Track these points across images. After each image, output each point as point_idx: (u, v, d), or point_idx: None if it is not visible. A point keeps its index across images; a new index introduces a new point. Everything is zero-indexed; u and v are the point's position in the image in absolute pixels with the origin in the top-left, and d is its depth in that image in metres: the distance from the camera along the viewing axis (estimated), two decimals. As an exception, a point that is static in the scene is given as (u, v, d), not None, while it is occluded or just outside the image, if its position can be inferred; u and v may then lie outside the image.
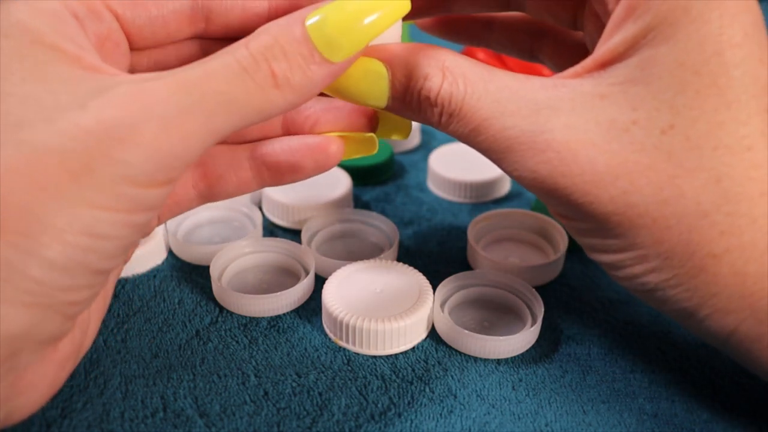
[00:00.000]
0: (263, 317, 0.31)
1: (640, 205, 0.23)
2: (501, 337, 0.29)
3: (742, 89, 0.22)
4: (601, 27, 0.25)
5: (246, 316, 0.31)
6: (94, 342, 0.29)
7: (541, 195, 0.25)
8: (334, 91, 0.25)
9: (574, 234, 0.26)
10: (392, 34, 0.26)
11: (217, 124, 0.21)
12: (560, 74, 0.24)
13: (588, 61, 0.24)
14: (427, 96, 0.24)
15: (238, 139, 0.28)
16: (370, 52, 0.25)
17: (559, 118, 0.23)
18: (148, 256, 0.34)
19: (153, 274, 0.34)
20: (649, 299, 0.25)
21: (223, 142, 0.27)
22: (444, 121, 0.25)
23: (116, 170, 0.19)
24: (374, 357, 0.29)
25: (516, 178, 0.25)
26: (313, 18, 0.22)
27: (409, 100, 0.25)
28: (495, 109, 0.24)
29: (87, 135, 0.19)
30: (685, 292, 0.23)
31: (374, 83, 0.25)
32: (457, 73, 0.24)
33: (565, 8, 0.28)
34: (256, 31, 0.22)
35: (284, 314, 0.31)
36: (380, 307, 0.30)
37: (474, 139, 0.24)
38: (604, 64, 0.23)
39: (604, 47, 0.23)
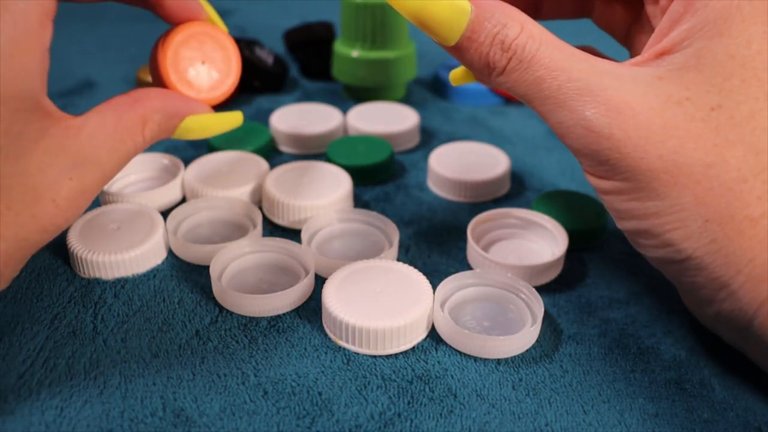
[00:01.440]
0: (263, 317, 0.31)
1: (686, 166, 0.24)
2: (501, 337, 0.29)
3: None
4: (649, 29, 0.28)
5: (246, 316, 0.31)
6: (94, 342, 0.29)
7: (590, 150, 0.26)
8: (414, 17, 0.27)
9: (612, 200, 0.27)
10: None
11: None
12: (622, 62, 0.26)
13: (647, 53, 0.26)
14: (502, 40, 0.26)
15: None
16: None
17: (622, 83, 0.25)
18: (148, 256, 0.34)
19: (153, 274, 0.34)
20: (681, 271, 0.26)
21: None
22: (510, 67, 0.27)
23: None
24: (374, 357, 0.29)
25: (567, 130, 0.26)
26: (189, 120, 0.29)
27: (483, 40, 0.27)
28: (565, 64, 0.26)
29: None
30: (722, 258, 0.25)
31: (456, 16, 0.26)
32: (534, 32, 0.26)
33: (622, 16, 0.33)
34: (151, 96, 0.29)
35: (284, 314, 0.31)
36: (380, 307, 0.30)
37: (536, 87, 0.26)
38: (662, 54, 0.26)
39: (664, 40, 0.26)
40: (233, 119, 0.32)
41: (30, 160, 0.25)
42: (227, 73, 0.32)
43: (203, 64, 0.31)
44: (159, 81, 0.31)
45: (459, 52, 0.27)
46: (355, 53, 0.51)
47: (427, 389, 0.28)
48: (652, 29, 0.29)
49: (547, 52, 0.26)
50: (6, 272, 0.26)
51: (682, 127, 0.25)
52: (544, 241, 0.36)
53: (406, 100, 0.55)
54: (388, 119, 0.48)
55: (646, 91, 0.25)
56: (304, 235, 0.35)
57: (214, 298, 0.32)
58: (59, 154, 0.26)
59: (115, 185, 0.41)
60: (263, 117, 0.50)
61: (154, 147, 0.46)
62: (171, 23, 0.31)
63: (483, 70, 0.27)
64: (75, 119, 0.27)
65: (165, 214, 0.37)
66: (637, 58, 0.26)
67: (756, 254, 0.24)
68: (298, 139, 0.46)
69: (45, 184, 0.25)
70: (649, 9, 0.29)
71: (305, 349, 0.30)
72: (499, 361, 0.29)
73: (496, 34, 0.26)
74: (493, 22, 0.26)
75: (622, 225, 0.27)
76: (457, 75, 0.31)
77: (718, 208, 0.24)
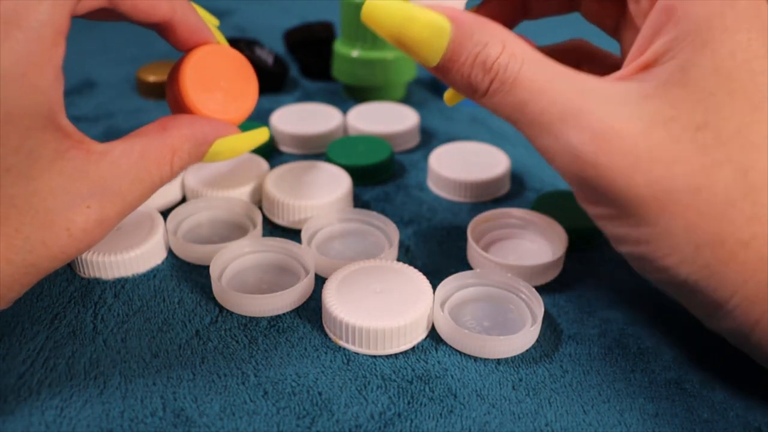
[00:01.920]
0: (263, 317, 0.31)
1: (674, 192, 0.24)
2: (501, 337, 0.29)
3: (767, 94, 0.24)
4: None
5: (246, 316, 0.31)
6: (94, 342, 0.29)
7: (577, 177, 0.25)
8: (394, 38, 0.26)
9: (605, 225, 0.26)
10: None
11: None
12: (606, 77, 0.26)
13: (631, 66, 0.26)
14: (484, 61, 0.26)
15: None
16: (437, 8, 0.26)
17: (606, 105, 0.25)
18: (148, 256, 0.34)
19: (153, 274, 0.34)
20: (679, 293, 0.26)
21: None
22: (493, 89, 0.26)
23: None
24: (374, 357, 0.29)
25: (553, 156, 0.26)
26: (218, 144, 0.29)
27: (464, 60, 0.26)
28: (547, 86, 0.25)
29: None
30: (716, 282, 0.24)
31: (436, 36, 0.26)
32: (516, 50, 0.26)
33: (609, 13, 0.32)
34: (179, 124, 0.28)
35: (284, 314, 0.31)
36: (380, 307, 0.30)
37: (519, 110, 0.26)
38: (647, 67, 0.25)
39: (647, 53, 0.25)
40: (260, 136, 0.31)
41: (42, 182, 0.24)
42: (247, 89, 0.31)
43: (223, 83, 0.30)
44: (181, 107, 0.30)
45: (442, 73, 0.27)
46: (355, 53, 0.51)
47: (427, 389, 0.28)
48: (637, 27, 0.29)
49: (529, 73, 0.25)
50: (9, 295, 0.25)
51: (669, 150, 0.24)
52: (544, 241, 0.36)
53: (406, 100, 0.55)
54: (388, 119, 0.48)
55: (631, 113, 0.24)
56: (304, 235, 0.35)
57: (214, 298, 0.32)
58: (77, 178, 0.24)
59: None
60: (263, 117, 0.50)
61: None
62: (182, 50, 0.30)
63: (466, 92, 0.27)
64: (99, 145, 0.25)
65: (165, 214, 0.37)
66: (623, 71, 0.26)
67: (749, 276, 0.24)
68: (298, 139, 0.46)
69: (59, 210, 0.24)
70: (632, 8, 0.28)
71: (305, 349, 0.30)
72: (499, 361, 0.29)
73: (477, 54, 0.26)
74: (473, 41, 0.26)
75: (618, 249, 0.27)
76: (449, 94, 0.31)
77: (709, 234, 0.24)
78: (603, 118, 0.24)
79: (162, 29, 0.30)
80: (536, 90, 0.25)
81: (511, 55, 0.25)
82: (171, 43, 0.30)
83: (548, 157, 0.26)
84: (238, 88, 0.31)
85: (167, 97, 0.31)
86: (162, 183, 0.27)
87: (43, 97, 0.23)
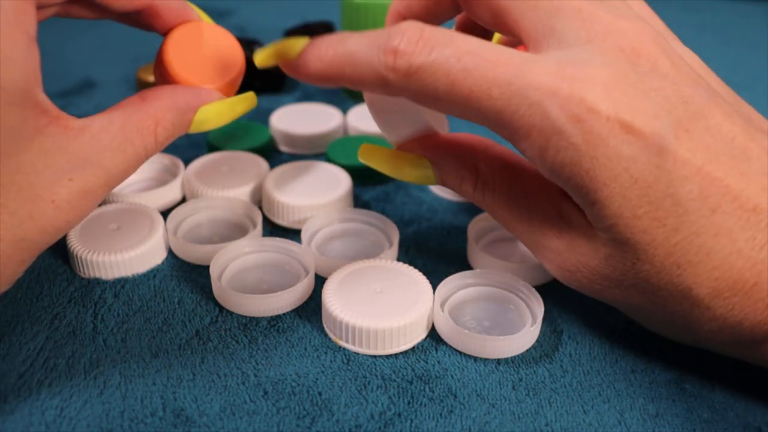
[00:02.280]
0: (263, 317, 0.31)
1: (638, 305, 0.27)
2: (501, 337, 0.29)
3: (679, 211, 0.24)
4: None
5: (246, 316, 0.31)
6: (94, 341, 0.29)
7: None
8: (392, 175, 0.31)
9: None
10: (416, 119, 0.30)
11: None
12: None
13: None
14: (465, 191, 0.30)
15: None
16: (417, 147, 0.31)
17: (560, 237, 0.28)
18: (148, 256, 0.34)
19: (153, 274, 0.34)
20: None
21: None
22: (482, 208, 0.30)
23: None
24: (374, 357, 0.29)
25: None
26: (203, 111, 0.29)
27: (452, 188, 0.30)
28: (517, 215, 0.29)
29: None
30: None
31: (423, 178, 0.30)
32: (488, 178, 0.29)
33: None
34: (160, 94, 0.28)
35: (284, 314, 0.31)
36: (380, 307, 0.30)
37: (505, 228, 0.30)
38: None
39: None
40: (247, 101, 0.31)
41: (23, 158, 0.24)
42: (232, 59, 0.31)
43: (207, 56, 0.31)
44: (166, 79, 0.30)
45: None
46: (355, 53, 0.51)
47: (427, 389, 0.28)
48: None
49: (500, 203, 0.29)
50: (6, 272, 0.25)
51: (619, 280, 0.26)
52: (544, 241, 0.36)
53: (406, 100, 0.55)
54: (388, 119, 0.48)
55: (580, 248, 0.27)
56: (304, 235, 0.35)
57: (214, 298, 0.32)
58: (57, 154, 0.25)
59: (115, 185, 0.40)
60: (263, 117, 0.50)
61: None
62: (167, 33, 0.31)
63: None
64: (77, 120, 0.26)
65: (165, 214, 0.37)
66: None
67: (731, 352, 0.27)
68: (298, 139, 0.46)
69: (42, 184, 0.25)
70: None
71: (305, 349, 0.30)
72: (499, 361, 0.29)
73: (459, 186, 0.30)
74: (452, 177, 0.30)
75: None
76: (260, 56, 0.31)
77: (682, 330, 0.27)
78: (561, 255, 0.28)
79: (145, 16, 0.30)
80: (507, 219, 0.29)
81: (483, 185, 0.29)
82: (156, 29, 0.31)
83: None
84: (223, 60, 0.31)
85: (155, 76, 0.31)
86: (147, 154, 0.28)
87: (17, 69, 0.23)
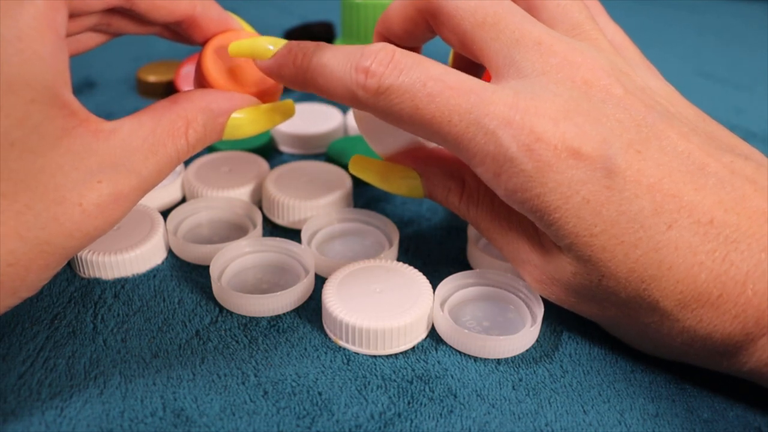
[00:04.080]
0: (263, 317, 0.31)
1: (612, 318, 0.28)
2: (501, 337, 0.29)
3: (636, 227, 0.25)
4: None
5: (246, 316, 0.31)
6: (94, 342, 0.29)
7: None
8: (381, 186, 0.32)
9: None
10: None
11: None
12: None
13: None
14: (452, 203, 0.31)
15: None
16: (406, 159, 0.32)
17: (534, 251, 0.29)
18: (148, 256, 0.34)
19: (153, 274, 0.34)
20: None
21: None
22: (467, 220, 0.31)
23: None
24: (374, 357, 0.29)
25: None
26: (236, 115, 0.29)
27: (439, 200, 0.32)
28: (498, 226, 0.30)
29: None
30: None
31: (411, 190, 0.32)
32: (473, 189, 0.30)
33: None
34: (192, 97, 0.28)
35: (284, 314, 0.31)
36: (380, 307, 0.30)
37: (487, 239, 0.31)
38: None
39: None
40: (285, 108, 0.31)
41: (50, 159, 0.23)
42: None
43: (245, 63, 0.30)
44: (203, 85, 0.30)
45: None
46: (355, 53, 0.51)
47: (427, 389, 0.28)
48: None
49: (483, 214, 0.30)
50: (29, 277, 0.24)
51: (590, 296, 0.27)
52: (544, 241, 0.36)
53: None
54: (388, 119, 0.48)
55: (551, 264, 0.28)
56: (304, 235, 0.35)
57: (214, 298, 0.32)
58: (85, 156, 0.24)
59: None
60: (263, 117, 0.50)
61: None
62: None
63: None
64: (107, 123, 0.25)
65: (165, 214, 0.37)
66: None
67: (706, 364, 0.27)
68: (298, 139, 0.46)
69: (69, 186, 0.23)
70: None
71: (305, 349, 0.30)
72: (499, 361, 0.29)
73: (446, 197, 0.31)
74: (439, 188, 0.31)
75: None
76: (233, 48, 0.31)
77: (657, 341, 0.27)
78: (537, 268, 0.29)
79: (186, 27, 0.29)
80: (490, 229, 0.30)
81: (469, 196, 0.30)
82: (197, 40, 0.30)
83: None
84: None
85: (194, 85, 0.31)
86: (180, 157, 0.27)
87: (44, 66, 0.22)
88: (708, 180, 0.25)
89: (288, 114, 0.31)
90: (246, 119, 0.29)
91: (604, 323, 0.29)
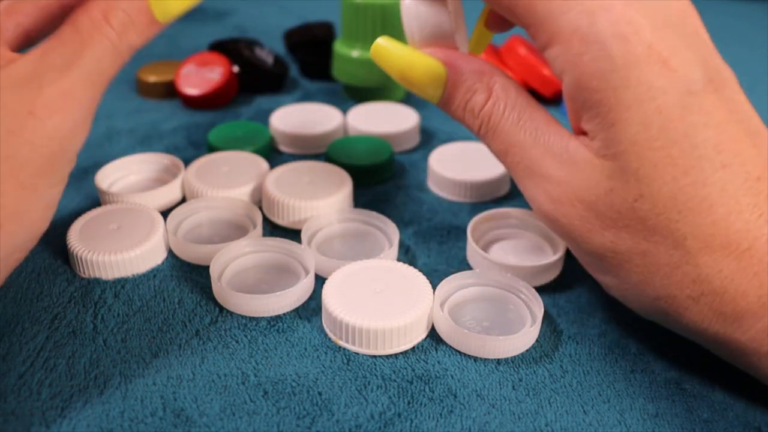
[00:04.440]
0: (263, 317, 0.31)
1: (625, 253, 0.26)
2: (501, 337, 0.29)
3: (694, 155, 0.24)
4: None
5: (246, 316, 0.31)
6: (94, 342, 0.29)
7: (549, 227, 0.28)
8: (399, 79, 0.29)
9: (586, 268, 0.29)
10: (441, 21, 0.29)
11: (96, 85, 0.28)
12: (567, 138, 0.27)
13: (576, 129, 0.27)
14: (473, 108, 0.29)
15: None
16: (436, 52, 0.29)
17: (561, 167, 0.27)
18: (148, 256, 0.34)
19: (153, 274, 0.34)
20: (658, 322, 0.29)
21: None
22: (481, 134, 0.29)
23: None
24: (374, 357, 0.29)
25: (530, 203, 0.29)
26: None
27: (457, 105, 0.29)
28: (521, 139, 0.28)
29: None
30: (679, 326, 0.27)
31: (433, 82, 0.29)
32: (500, 96, 0.28)
33: None
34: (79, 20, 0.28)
35: (284, 314, 0.31)
36: (380, 307, 0.30)
37: (502, 158, 0.29)
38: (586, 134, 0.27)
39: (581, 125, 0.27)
40: None
41: None
42: None
43: None
44: None
45: (445, 110, 0.30)
46: (355, 53, 0.51)
47: (427, 389, 0.28)
48: None
49: (506, 126, 0.28)
50: (7, 201, 0.25)
51: (613, 219, 0.26)
52: (544, 241, 0.36)
53: (406, 100, 0.55)
54: (388, 119, 0.48)
55: (581, 183, 0.26)
56: (304, 235, 0.35)
57: (214, 298, 0.32)
58: (20, 78, 0.26)
59: (115, 185, 0.41)
60: (263, 117, 0.50)
61: (153, 147, 0.46)
62: None
63: (467, 128, 0.30)
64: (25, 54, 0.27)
65: (165, 214, 0.37)
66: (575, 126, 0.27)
67: (707, 326, 0.26)
68: (298, 139, 0.46)
69: (13, 99, 0.26)
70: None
71: (305, 349, 0.30)
72: (499, 361, 0.29)
73: (467, 102, 0.29)
74: (464, 87, 0.29)
75: (605, 289, 0.29)
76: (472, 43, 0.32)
77: (661, 289, 0.26)
78: (560, 186, 0.27)
79: None
80: (511, 143, 0.28)
81: (495, 102, 0.28)
82: None
83: (528, 201, 0.29)
84: None
85: None
86: (116, 45, 0.28)
87: None
88: (763, 142, 0.25)
89: None
90: None
91: (607, 264, 0.27)
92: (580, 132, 0.27)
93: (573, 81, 0.25)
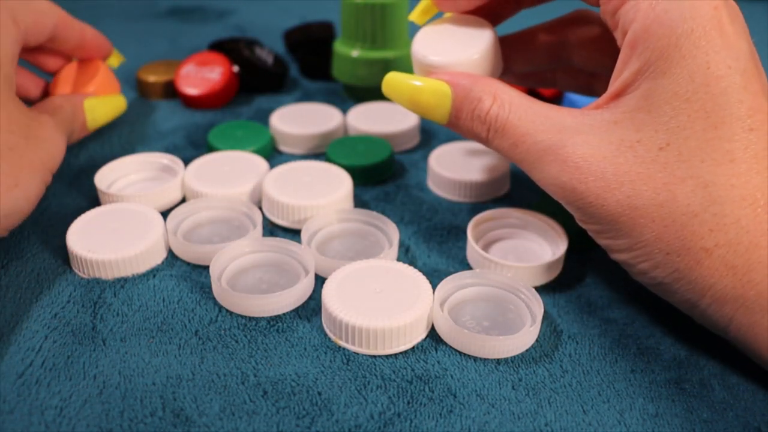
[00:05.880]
0: (263, 317, 0.31)
1: (641, 208, 0.27)
2: (501, 337, 0.29)
3: (727, 112, 0.26)
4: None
5: (246, 316, 0.31)
6: (94, 342, 0.29)
7: (563, 200, 0.29)
8: (410, 106, 0.32)
9: (596, 237, 0.30)
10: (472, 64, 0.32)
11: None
12: (585, 107, 0.29)
13: (605, 96, 0.28)
14: (480, 114, 0.30)
15: None
16: (440, 74, 0.32)
17: (579, 136, 0.28)
18: (148, 256, 0.34)
19: (153, 273, 0.34)
20: (660, 292, 0.29)
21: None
22: (490, 137, 0.31)
23: None
24: (374, 357, 0.29)
25: (544, 186, 0.30)
26: (89, 104, 0.42)
27: (465, 116, 0.31)
28: (530, 128, 0.29)
29: None
30: (687, 284, 0.27)
31: (441, 100, 0.31)
32: (504, 99, 0.30)
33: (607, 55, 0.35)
34: (54, 101, 0.39)
35: (284, 314, 0.31)
36: (380, 307, 0.30)
37: (513, 151, 0.30)
38: (617, 96, 0.28)
39: (616, 82, 0.28)
40: (118, 101, 0.45)
41: None
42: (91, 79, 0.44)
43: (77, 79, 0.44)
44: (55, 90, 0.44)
45: (453, 128, 0.32)
46: (355, 53, 0.51)
47: (426, 389, 0.28)
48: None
49: (515, 119, 0.30)
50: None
51: (634, 171, 0.27)
52: (544, 241, 0.36)
53: (406, 100, 0.55)
54: (388, 119, 0.48)
55: (600, 141, 0.28)
56: (304, 235, 0.35)
57: (214, 298, 0.32)
58: None
59: (115, 185, 0.41)
60: (263, 117, 0.50)
61: (153, 146, 0.46)
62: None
63: (476, 140, 0.31)
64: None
65: (165, 214, 0.37)
66: (597, 101, 0.29)
67: (715, 281, 0.26)
68: (298, 139, 0.46)
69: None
70: (618, 39, 0.30)
71: (305, 349, 0.30)
72: (498, 361, 0.29)
73: (474, 110, 0.30)
74: (470, 98, 0.31)
75: (611, 256, 0.30)
76: (415, 14, 0.34)
77: (675, 242, 0.27)
78: (576, 150, 0.28)
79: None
80: (522, 133, 0.29)
81: (501, 105, 0.30)
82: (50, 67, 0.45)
83: (542, 186, 0.30)
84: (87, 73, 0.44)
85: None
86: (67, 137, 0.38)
87: None
88: None
89: (120, 106, 0.45)
90: (94, 103, 0.42)
91: (620, 225, 0.28)
92: (610, 97, 0.28)
93: (641, 27, 0.27)
